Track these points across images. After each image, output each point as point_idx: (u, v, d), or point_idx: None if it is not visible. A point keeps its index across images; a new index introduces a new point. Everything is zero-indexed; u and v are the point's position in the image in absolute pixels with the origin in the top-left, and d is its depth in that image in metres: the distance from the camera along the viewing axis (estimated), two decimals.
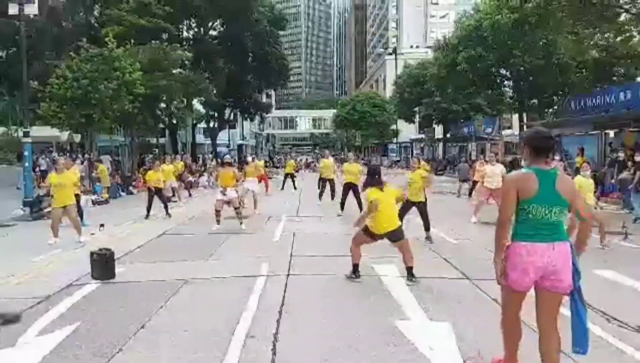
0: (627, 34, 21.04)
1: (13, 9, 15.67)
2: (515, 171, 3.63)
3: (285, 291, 6.32)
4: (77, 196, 11.52)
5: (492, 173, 12.86)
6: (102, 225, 11.30)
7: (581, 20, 19.47)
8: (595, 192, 10.71)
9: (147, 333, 4.89)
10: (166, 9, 29.64)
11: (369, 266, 7.56)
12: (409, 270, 6.80)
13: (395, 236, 6.73)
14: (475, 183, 16.63)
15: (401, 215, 9.46)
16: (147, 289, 6.47)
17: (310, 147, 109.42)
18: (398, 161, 55.24)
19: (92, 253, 6.96)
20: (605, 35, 22.79)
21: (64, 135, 28.17)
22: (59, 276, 7.16)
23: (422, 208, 9.83)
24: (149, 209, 13.46)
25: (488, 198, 12.81)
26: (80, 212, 12.27)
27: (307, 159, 51.44)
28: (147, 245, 9.64)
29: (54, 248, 9.18)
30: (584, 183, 9.40)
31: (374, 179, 6.85)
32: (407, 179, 9.87)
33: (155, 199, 13.68)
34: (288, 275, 7.11)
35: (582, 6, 17.49)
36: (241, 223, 11.16)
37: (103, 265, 6.84)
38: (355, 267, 6.95)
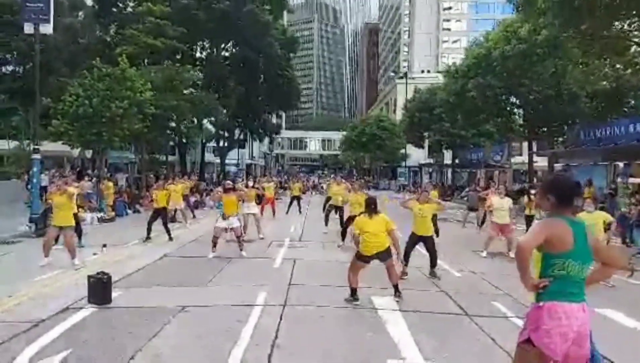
0: (637, 66, 21.01)
1: (28, 28, 15.96)
2: (552, 218, 3.18)
3: (280, 323, 6.26)
4: (76, 215, 11.53)
5: (499, 206, 12.37)
6: (104, 245, 11.31)
7: (590, 52, 19.51)
8: (609, 226, 10.33)
9: None
10: (180, 30, 30.18)
11: (368, 298, 7.51)
12: (395, 287, 7.54)
13: (384, 256, 7.36)
14: (485, 213, 16.01)
15: (407, 251, 9.39)
16: (142, 316, 6.43)
17: (319, 168, 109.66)
18: (406, 185, 55.14)
19: (89, 277, 6.96)
20: (616, 67, 22.82)
21: (76, 151, 28.46)
22: (57, 298, 7.15)
23: (430, 243, 9.48)
24: (149, 230, 13.33)
25: (498, 234, 12.50)
26: (79, 232, 12.30)
27: (313, 181, 51.40)
28: (147, 268, 9.63)
29: (55, 268, 9.18)
30: (587, 219, 9.25)
31: (367, 209, 7.58)
32: (416, 211, 9.46)
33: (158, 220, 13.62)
34: (284, 305, 7.05)
35: (591, 38, 17.52)
36: (241, 250, 11.08)
37: (100, 289, 6.83)
38: (354, 291, 7.36)
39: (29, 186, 21.56)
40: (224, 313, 6.67)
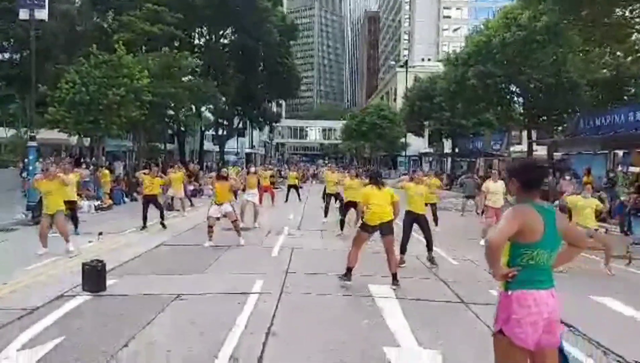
0: (638, 54, 20.83)
1: (24, 14, 15.84)
2: (522, 205, 3.08)
3: (275, 311, 6.21)
4: (73, 202, 11.48)
5: (494, 189, 12.35)
6: (100, 233, 11.26)
7: (591, 39, 19.34)
8: (601, 213, 10.29)
9: (129, 352, 4.80)
10: (178, 16, 29.92)
11: (365, 285, 7.48)
12: (394, 276, 7.46)
13: (387, 229, 7.48)
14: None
15: (404, 240, 9.34)
16: (137, 304, 6.38)
17: (320, 157, 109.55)
18: (406, 173, 55.00)
19: (84, 264, 6.91)
20: (616, 55, 22.63)
21: (73, 139, 28.35)
22: (52, 286, 7.11)
23: (423, 221, 9.47)
24: (144, 219, 13.19)
25: (494, 218, 12.47)
26: (75, 219, 12.25)
27: (313, 169, 51.29)
28: (143, 256, 9.58)
29: (51, 256, 9.13)
30: (583, 202, 9.22)
31: (372, 179, 7.93)
32: (412, 193, 9.47)
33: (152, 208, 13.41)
34: (281, 293, 7.00)
35: (592, 25, 17.35)
36: (239, 236, 10.99)
37: (94, 277, 6.77)
38: (349, 270, 7.49)
39: (24, 174, 21.43)
40: (219, 301, 6.63)
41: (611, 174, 19.09)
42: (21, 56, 35.66)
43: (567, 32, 17.36)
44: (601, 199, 12.36)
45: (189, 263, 9.02)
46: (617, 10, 16.89)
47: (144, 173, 13.91)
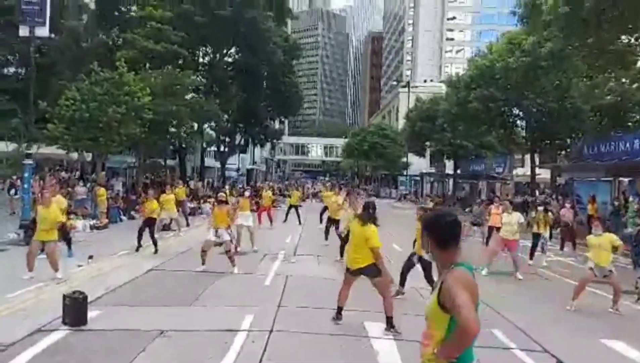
0: None
1: (23, 31, 15.67)
2: (462, 271, 2.64)
3: (264, 351, 5.87)
4: (64, 225, 11.22)
5: (508, 222, 12.06)
6: (90, 257, 10.92)
7: (596, 65, 19.16)
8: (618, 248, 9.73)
9: None
10: (181, 34, 29.96)
11: (361, 324, 7.11)
12: (389, 320, 6.77)
13: (370, 272, 6.69)
14: (491, 229, 15.54)
15: (404, 270, 9.03)
16: (118, 341, 6.04)
17: (321, 174, 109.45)
18: (407, 194, 54.77)
19: (64, 296, 6.58)
20: (621, 81, 22.44)
21: (75, 154, 28.18)
22: (31, 317, 6.77)
23: (426, 262, 8.93)
24: (139, 238, 13.00)
25: (503, 248, 12.17)
26: (68, 240, 11.99)
27: (314, 188, 50.96)
28: (130, 283, 9.24)
29: (35, 282, 8.81)
30: (596, 240, 8.86)
31: (364, 211, 7.01)
32: (416, 229, 9.06)
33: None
34: (271, 331, 6.64)
35: (597, 52, 17.18)
36: (233, 266, 10.64)
37: (75, 310, 6.45)
38: (339, 310, 7.09)
39: (11, 193, 21.02)
40: (205, 339, 6.27)
41: (616, 203, 18.77)
42: (26, 71, 35.78)
43: (571, 58, 17.18)
44: (608, 230, 11.98)
45: (177, 292, 8.68)
46: (623, 37, 16.73)
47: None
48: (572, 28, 14.88)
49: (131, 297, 8.22)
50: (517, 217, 12.20)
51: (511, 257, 11.89)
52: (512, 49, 22.29)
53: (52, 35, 35.91)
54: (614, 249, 8.91)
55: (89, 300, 6.89)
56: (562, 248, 16.82)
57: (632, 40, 17.47)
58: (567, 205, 17.58)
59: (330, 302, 7.82)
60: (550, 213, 14.66)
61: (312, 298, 8.52)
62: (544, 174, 32.81)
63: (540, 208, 14.55)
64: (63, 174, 30.48)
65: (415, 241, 9.34)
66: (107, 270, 10.27)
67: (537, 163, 30.28)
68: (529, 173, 31.12)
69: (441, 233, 2.72)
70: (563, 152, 29.76)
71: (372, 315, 7.46)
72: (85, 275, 9.74)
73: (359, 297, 7.53)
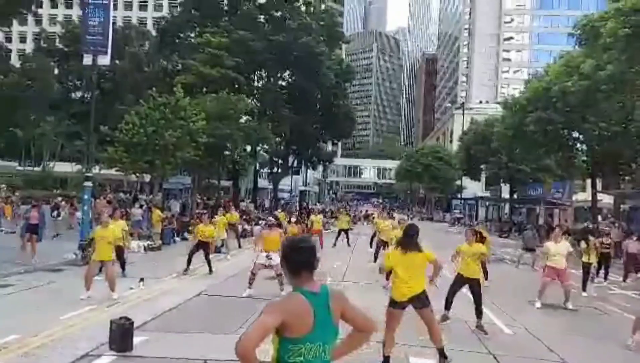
0: None
1: (87, 60, 16.57)
2: (289, 294, 2.74)
3: None
4: (120, 247, 11.61)
5: (555, 251, 11.54)
6: (141, 280, 11.20)
7: None
8: None
9: None
10: (237, 60, 30.85)
11: (405, 357, 6.90)
12: (440, 351, 6.47)
13: (418, 302, 6.31)
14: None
15: (450, 295, 8.80)
16: None
17: (374, 196, 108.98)
18: (461, 217, 53.51)
19: (111, 322, 6.75)
20: None
21: (133, 176, 29.30)
22: (79, 341, 6.99)
23: (475, 287, 8.81)
24: (188, 261, 13.27)
25: (554, 278, 11.66)
26: (122, 262, 12.38)
27: (366, 210, 50.65)
28: (179, 308, 9.40)
29: (88, 304, 9.11)
30: None
31: (405, 239, 6.53)
32: (461, 251, 8.99)
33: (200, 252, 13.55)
34: None
35: None
36: (282, 289, 10.69)
37: (121, 335, 6.59)
38: (386, 360, 6.35)
39: (54, 214, 21.47)
40: None
41: None
42: (92, 95, 37.92)
43: (634, 81, 16.39)
44: None
45: (223, 318, 8.74)
46: None
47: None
48: (633, 50, 14.25)
49: (178, 323, 8.34)
50: (566, 246, 11.79)
51: (563, 287, 11.38)
52: (569, 72, 21.53)
53: (116, 62, 37.93)
54: None
55: (136, 325, 7.03)
56: (624, 279, 15.96)
57: None
58: (634, 237, 16.73)
59: (374, 336, 7.60)
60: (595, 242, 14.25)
61: None
62: (606, 199, 31.31)
63: (592, 238, 14.11)
64: (122, 195, 31.66)
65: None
66: (156, 294, 10.51)
67: (599, 188, 28.93)
68: (590, 198, 29.77)
69: (293, 259, 2.76)
70: (627, 177, 28.29)
71: (418, 349, 7.20)
72: (135, 298, 9.99)
73: (402, 327, 7.28)
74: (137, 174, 27.44)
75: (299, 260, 2.76)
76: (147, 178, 31.06)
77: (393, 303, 6.39)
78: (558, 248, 11.65)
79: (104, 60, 16.49)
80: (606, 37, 14.68)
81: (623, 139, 23.54)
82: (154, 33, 45.08)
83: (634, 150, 24.32)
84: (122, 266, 12.40)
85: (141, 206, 22.74)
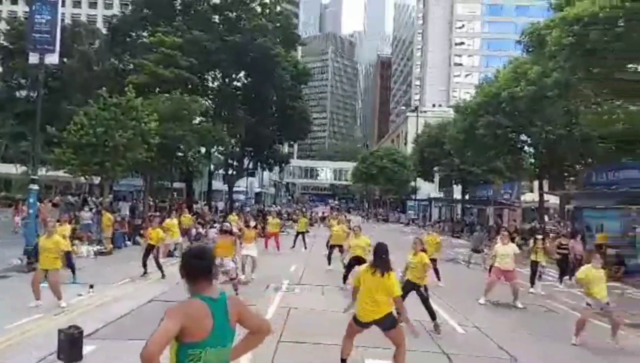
0: None
1: (33, 58, 15.91)
2: (187, 300, 2.85)
3: None
4: (68, 252, 11.26)
5: (503, 252, 12.00)
6: (91, 286, 10.83)
7: (603, 92, 19.10)
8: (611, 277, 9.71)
9: None
10: (191, 60, 30.31)
11: (361, 358, 6.95)
12: None
13: (385, 324, 6.09)
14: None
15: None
16: None
17: (331, 197, 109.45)
18: (416, 219, 54.51)
19: (59, 331, 6.49)
20: (629, 109, 22.28)
21: (82, 178, 28.36)
22: (26, 352, 6.71)
23: (421, 292, 9.10)
24: (144, 265, 13.11)
25: (500, 278, 12.02)
26: (72, 266, 11.99)
27: (323, 212, 50.72)
28: (130, 315, 9.15)
29: (34, 313, 8.75)
30: (593, 275, 8.70)
31: (376, 259, 6.27)
32: (408, 261, 9.26)
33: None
34: None
35: (603, 80, 17.12)
36: (236, 294, 10.57)
37: (70, 345, 6.35)
38: (343, 362, 6.40)
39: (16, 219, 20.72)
40: None
41: (630, 233, 18.51)
42: (37, 94, 36.36)
43: (578, 88, 17.13)
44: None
45: None
46: (630, 65, 16.66)
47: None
48: (577, 59, 14.88)
49: (129, 331, 8.09)
50: (513, 248, 12.26)
51: (511, 287, 11.76)
52: (518, 78, 22.30)
53: (64, 60, 36.61)
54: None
55: (86, 333, 6.81)
56: (570, 277, 16.59)
57: (639, 68, 17.40)
58: (578, 237, 17.46)
59: (331, 336, 7.61)
60: (545, 241, 14.79)
61: (313, 332, 8.37)
62: (553, 200, 32.53)
63: (539, 237, 14.70)
64: (70, 198, 30.58)
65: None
66: (107, 300, 10.20)
67: (545, 189, 30.06)
68: (537, 198, 30.89)
69: (191, 267, 2.88)
70: (572, 178, 29.51)
71: (374, 351, 7.22)
72: (85, 305, 9.67)
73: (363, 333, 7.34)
74: (87, 176, 26.58)
75: (197, 267, 2.87)
76: (96, 179, 30.15)
77: (356, 321, 6.25)
78: (505, 250, 12.07)
79: (52, 59, 15.88)
80: (551, 46, 15.28)
81: (567, 142, 24.50)
82: (104, 31, 43.77)
83: (578, 153, 25.40)
84: (73, 272, 12.02)
85: (90, 209, 22.04)
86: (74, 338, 6.41)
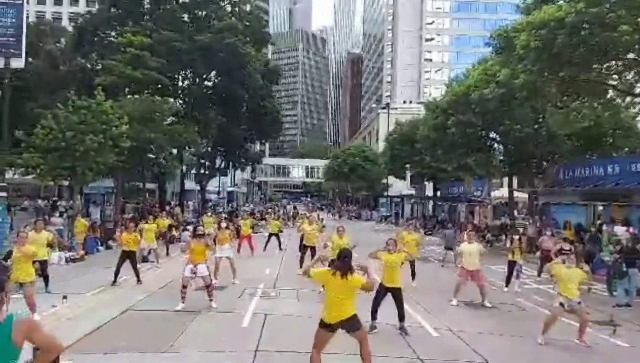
0: (615, 109, 21.16)
1: None
2: None
3: None
4: (44, 262, 11.12)
5: (469, 252, 12.15)
6: (64, 297, 10.65)
7: (569, 94, 19.67)
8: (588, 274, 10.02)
9: None
10: (161, 61, 29.94)
11: None
12: None
13: (350, 325, 6.20)
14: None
15: (375, 304, 9.11)
16: None
17: (303, 195, 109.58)
18: (388, 216, 54.91)
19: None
20: (595, 107, 22.96)
21: (51, 182, 27.76)
22: None
23: (397, 295, 9.24)
24: (116, 274, 12.90)
25: (468, 279, 12.20)
26: (45, 276, 11.79)
27: (293, 210, 50.08)
28: (106, 326, 9.04)
29: None
30: (568, 274, 8.94)
31: (338, 261, 6.33)
32: (383, 261, 9.31)
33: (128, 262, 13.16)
34: None
35: (570, 81, 17.63)
36: (211, 301, 10.57)
37: None
38: None
39: None
40: None
41: (592, 229, 19.11)
42: (3, 98, 35.48)
43: (545, 89, 17.61)
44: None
45: (153, 336, 8.51)
46: (595, 66, 17.19)
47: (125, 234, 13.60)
48: (543, 62, 15.30)
49: (105, 343, 8.00)
50: (478, 247, 12.31)
51: (478, 287, 11.97)
52: (487, 79, 22.73)
53: (29, 59, 35.64)
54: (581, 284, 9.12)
55: None
56: (539, 274, 16.97)
57: (603, 69, 17.96)
58: (547, 233, 17.78)
59: (308, 343, 7.62)
60: (520, 237, 14.94)
61: (290, 340, 8.40)
62: (522, 196, 33.26)
63: (516, 237, 14.77)
64: (40, 202, 29.92)
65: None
66: (81, 312, 10.05)
67: (515, 185, 30.71)
68: (507, 195, 31.53)
69: None
70: (540, 175, 30.21)
71: (345, 357, 7.21)
72: (59, 317, 9.53)
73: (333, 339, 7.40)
74: (55, 182, 26.04)
75: None
76: (66, 182, 29.56)
77: (322, 324, 6.33)
78: (471, 249, 12.19)
79: (18, 63, 15.60)
80: (519, 49, 15.67)
81: (535, 140, 25.10)
82: (69, 29, 42.85)
83: (546, 150, 26.07)
84: (46, 282, 11.78)
85: (61, 214, 21.61)
86: None
